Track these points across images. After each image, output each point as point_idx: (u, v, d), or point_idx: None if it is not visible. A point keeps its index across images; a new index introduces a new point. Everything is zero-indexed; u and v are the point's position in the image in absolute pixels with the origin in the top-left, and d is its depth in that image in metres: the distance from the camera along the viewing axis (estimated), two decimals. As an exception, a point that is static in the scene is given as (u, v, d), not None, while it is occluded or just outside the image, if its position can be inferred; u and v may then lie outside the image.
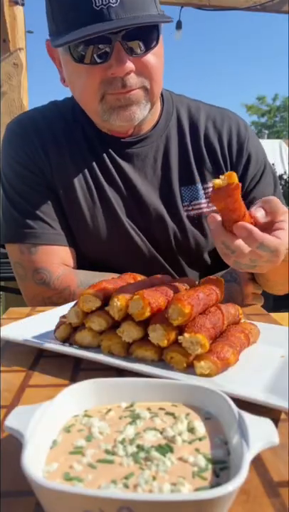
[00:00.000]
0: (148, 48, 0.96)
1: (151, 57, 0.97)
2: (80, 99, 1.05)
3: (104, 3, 0.87)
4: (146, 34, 0.95)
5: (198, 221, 1.14)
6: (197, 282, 0.77)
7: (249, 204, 1.17)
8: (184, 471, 0.36)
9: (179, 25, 3.87)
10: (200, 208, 1.13)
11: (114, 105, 0.98)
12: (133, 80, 0.96)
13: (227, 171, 1.14)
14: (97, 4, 0.87)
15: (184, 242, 1.15)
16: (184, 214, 1.13)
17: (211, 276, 0.75)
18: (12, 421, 0.38)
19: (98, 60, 0.94)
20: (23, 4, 3.16)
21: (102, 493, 0.31)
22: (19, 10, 3.14)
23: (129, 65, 0.93)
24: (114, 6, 0.87)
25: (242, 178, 1.14)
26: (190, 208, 1.13)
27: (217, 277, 0.74)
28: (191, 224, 1.13)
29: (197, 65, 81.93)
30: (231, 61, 76.51)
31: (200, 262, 1.21)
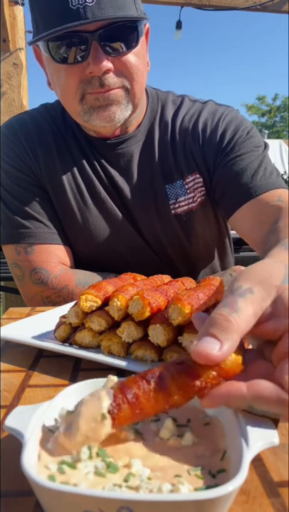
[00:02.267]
0: (128, 48, 0.96)
1: (131, 57, 0.97)
2: (62, 101, 1.05)
3: (80, 2, 0.87)
4: (125, 35, 0.95)
5: (186, 218, 1.13)
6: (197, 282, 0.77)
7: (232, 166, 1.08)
8: (180, 469, 0.35)
9: (178, 25, 3.87)
10: (186, 205, 1.13)
11: (94, 105, 0.98)
12: (112, 79, 0.95)
13: (203, 160, 1.11)
14: (74, 4, 0.87)
15: (175, 242, 1.15)
16: (171, 213, 1.12)
17: (211, 276, 0.75)
18: (12, 421, 0.38)
19: (79, 60, 0.93)
20: (23, 4, 3.17)
21: (102, 493, 0.31)
22: (19, 10, 3.15)
23: (107, 63, 0.93)
24: (90, 5, 0.87)
25: (219, 145, 1.10)
26: (176, 205, 1.12)
27: (217, 277, 0.73)
28: (180, 222, 1.13)
29: (197, 64, 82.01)
30: (231, 61, 76.60)
31: (194, 260, 1.21)
